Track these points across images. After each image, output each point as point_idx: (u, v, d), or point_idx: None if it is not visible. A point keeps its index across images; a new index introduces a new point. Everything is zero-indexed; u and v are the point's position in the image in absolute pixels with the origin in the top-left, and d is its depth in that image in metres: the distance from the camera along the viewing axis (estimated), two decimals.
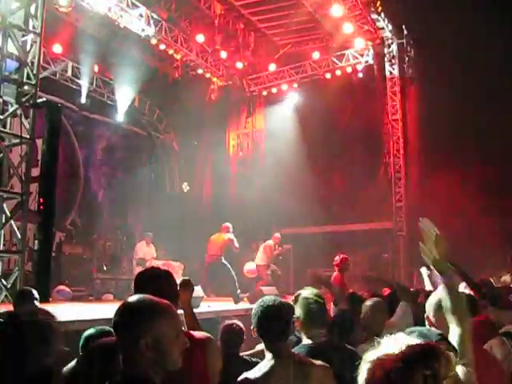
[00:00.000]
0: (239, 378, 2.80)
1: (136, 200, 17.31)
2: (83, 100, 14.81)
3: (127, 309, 2.03)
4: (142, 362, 1.94)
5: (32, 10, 7.34)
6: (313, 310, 3.34)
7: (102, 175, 16.37)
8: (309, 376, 2.79)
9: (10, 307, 6.59)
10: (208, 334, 2.86)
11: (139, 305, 2.03)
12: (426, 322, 3.07)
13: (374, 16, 14.69)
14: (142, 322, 1.97)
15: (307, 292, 3.44)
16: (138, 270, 12.64)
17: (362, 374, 1.37)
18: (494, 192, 13.34)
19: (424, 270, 6.44)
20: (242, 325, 4.98)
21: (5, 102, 7.04)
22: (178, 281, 3.42)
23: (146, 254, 13.42)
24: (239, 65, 16.51)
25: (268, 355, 2.87)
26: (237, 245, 12.25)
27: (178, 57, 15.26)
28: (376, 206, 15.50)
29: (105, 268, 13.79)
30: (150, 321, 1.97)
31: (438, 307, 2.71)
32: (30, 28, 7.37)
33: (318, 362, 2.89)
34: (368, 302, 4.46)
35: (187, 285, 5.99)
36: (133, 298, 2.07)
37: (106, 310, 8.92)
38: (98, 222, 15.68)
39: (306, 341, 3.36)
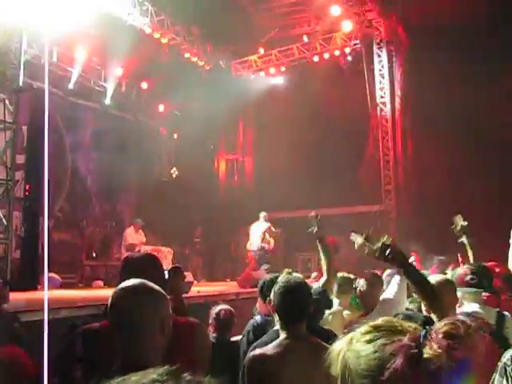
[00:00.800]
0: (254, 353, 2.81)
1: (125, 186, 17.21)
2: (71, 86, 14.65)
3: (132, 292, 1.99)
4: (151, 346, 1.91)
5: None
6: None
7: (90, 161, 16.23)
8: (322, 359, 2.77)
9: None
10: (195, 320, 2.84)
11: (145, 288, 2.01)
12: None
13: None
14: (152, 304, 1.95)
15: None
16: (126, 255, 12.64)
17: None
18: (480, 173, 13.40)
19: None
20: (232, 310, 4.97)
21: None
22: (169, 267, 3.43)
23: (135, 240, 13.38)
24: (227, 48, 16.42)
25: (283, 334, 2.85)
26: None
27: (165, 41, 15.10)
28: (365, 188, 15.54)
29: (94, 255, 13.77)
30: (158, 303, 1.97)
31: None
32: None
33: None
34: (364, 277, 4.51)
35: (177, 271, 6.01)
36: (133, 282, 2.03)
37: (96, 296, 8.93)
38: (87, 209, 15.60)
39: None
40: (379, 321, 1.30)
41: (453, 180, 13.78)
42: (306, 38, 16.44)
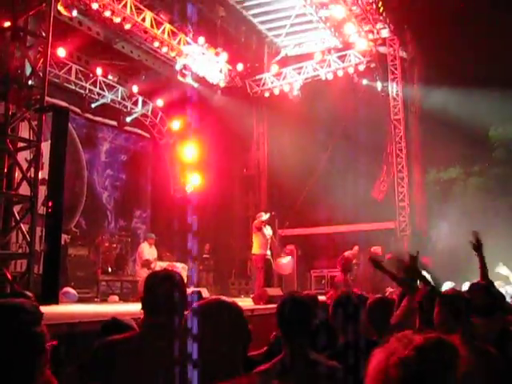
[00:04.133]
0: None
1: (140, 202, 17.39)
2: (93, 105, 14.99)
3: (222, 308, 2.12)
4: None
5: (39, 15, 7.42)
6: None
7: (106, 177, 16.43)
8: (320, 375, 2.84)
9: None
10: None
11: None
12: None
13: (376, 16, 14.76)
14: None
15: None
16: (142, 271, 12.73)
17: (372, 363, 1.43)
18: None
19: None
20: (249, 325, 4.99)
21: (13, 107, 7.10)
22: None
23: (150, 255, 13.47)
24: (240, 66, 16.55)
25: (284, 350, 2.92)
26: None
27: (181, 61, 15.28)
28: (379, 206, 15.57)
29: (110, 270, 13.85)
30: None
31: None
32: (38, 33, 7.44)
33: (330, 362, 2.94)
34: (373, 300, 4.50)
35: (198, 295, 6.09)
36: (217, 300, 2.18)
37: (112, 311, 9.01)
38: (103, 224, 15.77)
39: None
40: None
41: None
42: (319, 56, 16.56)
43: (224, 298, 2.20)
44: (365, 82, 16.43)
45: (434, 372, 1.35)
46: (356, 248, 13.82)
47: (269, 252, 11.74)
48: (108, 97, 15.49)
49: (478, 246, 5.00)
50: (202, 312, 2.06)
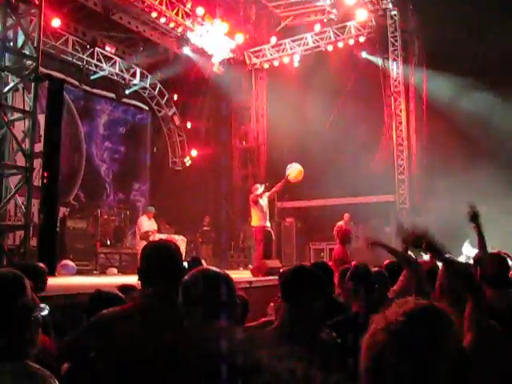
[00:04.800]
0: None
1: (139, 174, 17.37)
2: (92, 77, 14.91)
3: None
4: None
5: None
6: None
7: (105, 150, 16.37)
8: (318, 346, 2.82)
9: None
10: None
11: None
12: None
13: None
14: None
15: None
16: (141, 243, 12.73)
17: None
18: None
19: None
20: (245, 297, 4.99)
21: (7, 77, 7.01)
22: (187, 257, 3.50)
23: (149, 227, 13.47)
24: (240, 37, 16.36)
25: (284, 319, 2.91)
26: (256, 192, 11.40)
27: (179, 30, 15.12)
28: (378, 179, 15.52)
29: (108, 242, 13.88)
30: None
31: None
32: (30, 1, 7.32)
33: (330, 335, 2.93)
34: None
35: (197, 261, 6.10)
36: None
37: (111, 283, 9.04)
38: (101, 197, 15.76)
39: None
40: None
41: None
42: (319, 27, 16.36)
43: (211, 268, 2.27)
44: (364, 54, 16.27)
45: (421, 338, 1.33)
46: (347, 215, 13.81)
47: (268, 224, 11.65)
48: (106, 69, 15.33)
49: (474, 217, 4.98)
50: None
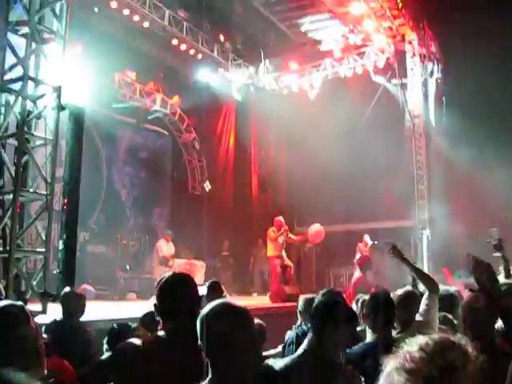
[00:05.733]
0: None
1: (159, 199, 17.46)
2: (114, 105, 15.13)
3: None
4: None
5: (56, 12, 7.44)
6: None
7: (126, 175, 16.51)
8: (336, 376, 2.78)
9: (37, 307, 6.72)
10: None
11: None
12: None
13: (395, 12, 14.61)
14: None
15: None
16: (160, 268, 12.77)
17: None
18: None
19: None
20: (263, 324, 4.95)
21: (29, 104, 7.13)
22: (202, 280, 3.50)
23: (167, 251, 13.51)
24: (260, 64, 16.52)
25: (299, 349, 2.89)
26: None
27: (200, 57, 15.32)
28: (398, 203, 15.43)
29: (128, 267, 13.93)
30: None
31: None
32: (54, 30, 7.47)
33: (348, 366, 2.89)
34: (399, 292, 4.38)
35: (216, 286, 6.04)
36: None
37: (131, 308, 9.06)
38: (122, 222, 15.83)
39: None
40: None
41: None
42: (338, 53, 16.46)
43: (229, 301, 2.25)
44: (380, 80, 16.31)
45: (436, 375, 1.31)
46: (366, 237, 13.88)
47: (284, 254, 12.79)
48: (127, 95, 15.53)
49: (499, 246, 4.89)
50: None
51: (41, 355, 1.93)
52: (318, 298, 2.98)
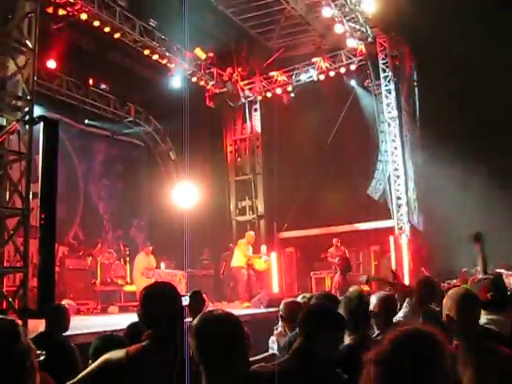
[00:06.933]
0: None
1: (137, 210, 17.35)
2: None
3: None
4: None
5: (25, 26, 7.37)
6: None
7: (102, 188, 16.40)
8: (329, 378, 2.78)
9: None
10: None
11: None
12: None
13: (365, 15, 14.73)
14: None
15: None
16: (141, 280, 12.68)
17: None
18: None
19: None
20: (247, 331, 4.92)
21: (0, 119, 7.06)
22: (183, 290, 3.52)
23: (147, 264, 13.41)
24: (232, 71, 16.54)
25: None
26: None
27: (172, 66, 15.28)
28: (376, 205, 15.55)
29: (108, 280, 13.80)
30: None
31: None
32: (24, 44, 7.39)
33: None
34: (376, 296, 4.39)
35: (197, 296, 6.06)
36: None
37: (112, 321, 8.98)
38: (100, 235, 15.69)
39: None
40: None
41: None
42: (310, 57, 16.56)
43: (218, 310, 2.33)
44: (353, 82, 16.47)
45: (408, 366, 1.32)
46: (335, 240, 14.20)
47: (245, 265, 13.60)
48: (100, 107, 15.44)
49: (477, 238, 4.95)
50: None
51: (32, 373, 1.90)
52: (311, 301, 3.06)
